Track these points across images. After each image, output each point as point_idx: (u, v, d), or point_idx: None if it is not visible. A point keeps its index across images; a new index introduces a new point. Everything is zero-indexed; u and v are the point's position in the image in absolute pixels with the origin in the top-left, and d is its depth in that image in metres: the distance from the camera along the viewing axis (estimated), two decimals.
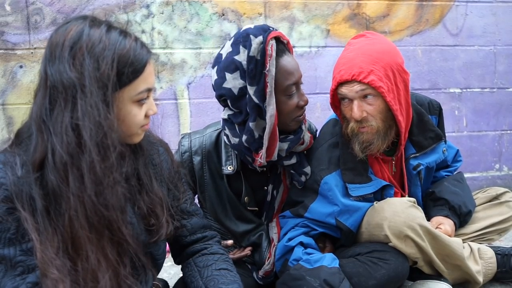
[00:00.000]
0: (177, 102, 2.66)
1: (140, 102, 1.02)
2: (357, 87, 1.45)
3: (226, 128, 1.52)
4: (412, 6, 2.92)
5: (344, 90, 1.48)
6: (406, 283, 1.62)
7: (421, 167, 1.64)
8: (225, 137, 1.54)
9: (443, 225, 1.62)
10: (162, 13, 2.60)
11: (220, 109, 2.64)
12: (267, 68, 1.36)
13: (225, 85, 1.41)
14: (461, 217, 1.68)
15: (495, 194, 1.79)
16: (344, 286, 1.38)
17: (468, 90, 3.03)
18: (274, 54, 1.38)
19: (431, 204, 1.72)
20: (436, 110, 1.73)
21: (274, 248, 1.59)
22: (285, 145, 1.48)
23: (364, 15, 2.85)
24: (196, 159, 1.55)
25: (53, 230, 0.93)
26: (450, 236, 1.58)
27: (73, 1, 2.47)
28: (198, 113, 2.68)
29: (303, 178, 1.57)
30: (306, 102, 1.50)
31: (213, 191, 1.56)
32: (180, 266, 1.33)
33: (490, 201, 1.79)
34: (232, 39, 1.44)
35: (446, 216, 1.66)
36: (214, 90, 1.48)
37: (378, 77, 1.44)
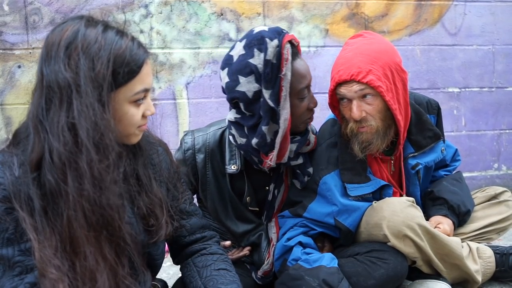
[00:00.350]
0: (175, 102, 2.66)
1: (137, 102, 1.01)
2: (356, 87, 1.45)
3: (232, 128, 1.51)
4: (411, 5, 2.92)
5: (343, 90, 1.48)
6: (405, 282, 1.62)
7: (420, 166, 1.64)
8: (230, 137, 1.53)
9: (442, 224, 1.62)
10: (161, 13, 2.60)
11: (219, 109, 2.66)
12: (283, 72, 1.36)
13: (239, 88, 1.40)
14: (460, 217, 1.68)
15: (494, 194, 1.79)
16: (343, 286, 1.38)
17: (467, 89, 3.04)
18: (290, 58, 1.38)
19: (430, 203, 1.72)
20: (434, 109, 1.73)
21: (273, 248, 1.59)
22: (294, 146, 1.49)
23: (363, 15, 2.85)
24: (200, 157, 1.54)
25: (51, 230, 0.93)
26: (449, 235, 1.58)
27: (72, 1, 2.46)
28: (197, 113, 2.68)
29: (306, 179, 1.57)
30: (316, 104, 1.51)
31: (215, 190, 1.55)
32: (179, 266, 1.33)
33: (489, 200, 1.79)
34: (244, 41, 1.43)
35: (445, 216, 1.66)
36: (225, 93, 1.48)
37: (377, 76, 1.44)
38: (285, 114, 1.39)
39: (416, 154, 1.64)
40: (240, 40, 1.45)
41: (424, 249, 1.49)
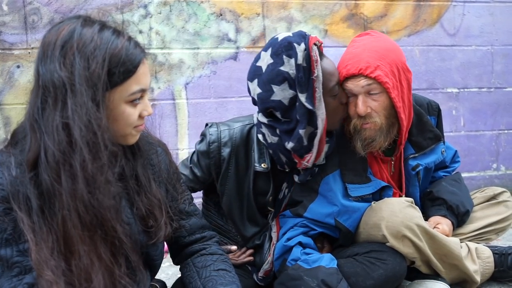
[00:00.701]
0: (174, 102, 2.66)
1: (133, 102, 1.01)
2: (363, 81, 1.45)
3: (262, 127, 1.51)
4: (410, 6, 2.92)
5: (350, 85, 1.48)
6: (404, 283, 1.62)
7: (420, 167, 1.64)
8: (260, 135, 1.53)
9: (440, 224, 1.62)
10: (160, 13, 2.60)
11: (218, 109, 2.66)
12: (315, 74, 1.38)
13: (274, 97, 1.41)
14: (459, 217, 1.68)
15: (493, 194, 1.79)
16: (342, 287, 1.38)
17: (466, 90, 3.04)
18: (319, 59, 1.40)
19: (429, 203, 1.72)
20: (435, 111, 1.74)
21: (273, 247, 1.59)
22: (326, 147, 1.51)
23: (362, 15, 2.85)
24: (225, 150, 1.52)
25: (48, 230, 0.93)
26: (447, 235, 1.58)
27: (71, 1, 2.46)
28: (196, 113, 2.68)
29: (308, 177, 1.57)
30: (347, 99, 1.51)
31: (234, 186, 1.54)
32: (178, 267, 1.33)
33: (487, 201, 1.79)
34: (270, 49, 1.44)
35: (444, 216, 1.66)
36: (258, 104, 1.48)
37: (384, 72, 1.44)
38: (321, 114, 1.41)
39: (416, 155, 1.65)
40: (265, 50, 1.46)
41: (422, 249, 1.49)
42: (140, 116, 1.04)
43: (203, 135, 1.57)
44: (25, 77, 2.45)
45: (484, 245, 1.70)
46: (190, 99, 2.67)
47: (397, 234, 1.47)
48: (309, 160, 1.47)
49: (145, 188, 1.10)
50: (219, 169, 1.53)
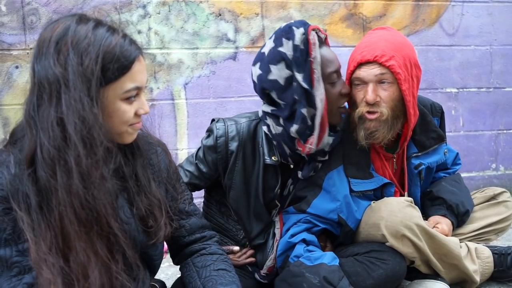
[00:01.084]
0: (174, 102, 2.66)
1: (129, 100, 1.01)
2: (376, 70, 1.46)
3: (267, 118, 1.53)
4: (409, 6, 2.92)
5: (363, 72, 1.49)
6: (404, 282, 1.62)
7: (422, 166, 1.64)
8: (265, 127, 1.54)
9: (440, 224, 1.62)
10: (159, 13, 2.59)
11: (217, 109, 2.66)
12: (313, 56, 1.42)
13: (270, 77, 1.45)
14: (459, 217, 1.68)
15: (493, 194, 1.79)
16: (343, 284, 1.38)
17: (465, 90, 3.04)
18: (317, 42, 1.44)
19: (428, 203, 1.73)
20: (438, 112, 1.75)
21: (276, 243, 1.60)
22: (330, 140, 1.52)
23: (361, 15, 2.85)
24: (233, 145, 1.53)
25: (46, 226, 0.93)
26: (447, 235, 1.58)
27: (69, 1, 2.46)
28: (195, 113, 2.67)
29: (312, 173, 1.59)
30: (348, 90, 1.52)
31: (241, 181, 1.55)
32: (177, 267, 1.32)
33: (487, 201, 1.79)
34: (273, 37, 1.50)
35: (444, 216, 1.66)
36: (256, 86, 1.52)
37: (398, 64, 1.46)
38: (320, 94, 1.43)
39: (419, 154, 1.65)
40: (270, 38, 1.52)
41: (422, 249, 1.49)
42: (136, 114, 1.04)
43: (210, 131, 1.57)
44: (24, 77, 2.45)
45: (483, 245, 1.70)
46: (189, 99, 2.67)
47: (397, 233, 1.47)
48: (312, 142, 1.47)
49: (145, 188, 1.10)
50: (227, 164, 1.54)
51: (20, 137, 0.99)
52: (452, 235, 1.65)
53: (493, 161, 3.11)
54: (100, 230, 0.97)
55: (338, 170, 1.56)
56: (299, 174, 1.59)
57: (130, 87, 0.99)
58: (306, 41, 1.43)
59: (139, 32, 2.56)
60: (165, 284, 1.43)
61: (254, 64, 1.53)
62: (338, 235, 1.62)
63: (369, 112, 1.49)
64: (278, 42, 1.45)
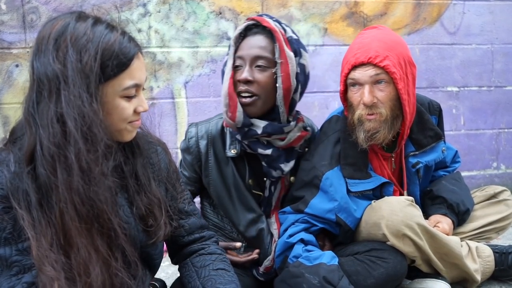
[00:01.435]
0: (174, 101, 2.65)
1: (128, 97, 1.01)
2: (371, 71, 1.46)
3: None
4: (410, 4, 2.91)
5: (357, 74, 1.49)
6: (405, 281, 1.62)
7: (420, 165, 1.64)
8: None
9: (441, 223, 1.62)
10: (159, 12, 2.59)
11: (217, 108, 2.66)
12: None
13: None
14: (459, 216, 1.68)
15: (493, 193, 1.79)
16: (343, 283, 1.38)
17: (466, 88, 3.03)
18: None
19: (429, 202, 1.72)
20: (436, 110, 1.74)
21: (275, 244, 1.59)
22: (260, 123, 1.50)
23: (362, 14, 2.85)
24: (202, 143, 1.60)
25: (47, 223, 0.93)
26: (448, 234, 1.58)
27: (69, 0, 2.46)
28: (196, 112, 2.67)
29: (276, 173, 1.57)
30: (245, 79, 1.49)
31: (217, 175, 1.60)
32: (177, 266, 1.32)
33: (488, 199, 1.79)
34: None
35: (444, 215, 1.66)
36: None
37: (393, 63, 1.46)
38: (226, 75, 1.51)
39: (417, 152, 1.65)
40: None
41: (423, 248, 1.49)
42: (136, 112, 1.04)
43: (185, 135, 1.66)
44: (24, 76, 2.44)
45: (484, 244, 1.70)
46: (190, 98, 2.67)
47: (398, 233, 1.47)
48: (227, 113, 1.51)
49: (145, 187, 1.10)
50: (200, 162, 1.60)
51: (19, 136, 0.99)
52: (453, 234, 1.65)
53: (494, 160, 3.10)
54: (100, 227, 0.97)
55: (335, 171, 1.56)
56: (265, 152, 1.57)
57: (129, 84, 0.99)
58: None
59: (139, 30, 2.55)
60: (165, 283, 1.42)
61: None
62: (337, 234, 1.62)
63: (368, 115, 1.49)
64: None
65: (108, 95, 0.98)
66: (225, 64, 1.54)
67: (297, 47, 1.50)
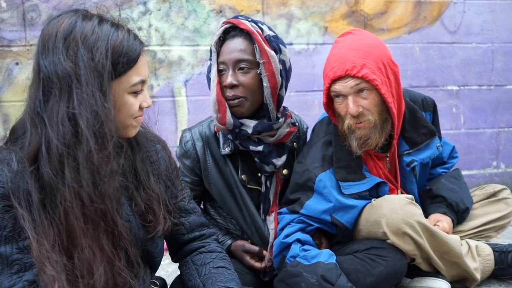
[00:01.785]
0: (174, 99, 2.65)
1: (135, 93, 1.03)
2: (351, 82, 1.46)
3: None
4: (410, 3, 2.91)
5: (338, 86, 1.48)
6: (404, 280, 1.62)
7: (415, 163, 1.64)
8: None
9: (441, 222, 1.62)
10: (159, 10, 2.59)
11: None
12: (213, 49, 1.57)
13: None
14: (459, 214, 1.68)
15: (493, 191, 1.79)
16: (341, 281, 1.38)
17: (466, 87, 3.03)
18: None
19: (428, 201, 1.72)
20: (430, 106, 1.73)
21: (269, 245, 1.60)
22: (250, 123, 1.52)
23: (362, 12, 2.85)
24: (198, 145, 1.63)
25: (49, 223, 0.93)
26: (448, 233, 1.58)
27: None
28: (196, 111, 2.67)
29: (269, 168, 1.59)
30: (230, 84, 1.51)
31: (217, 175, 1.61)
32: (178, 264, 1.32)
33: (487, 198, 1.79)
34: None
35: (444, 213, 1.66)
36: None
37: (371, 70, 1.45)
38: (212, 82, 1.55)
39: (411, 151, 1.64)
40: None
41: (423, 246, 1.49)
42: (140, 107, 1.05)
43: (179, 142, 1.68)
44: (24, 74, 2.44)
45: (484, 243, 1.70)
46: (190, 96, 2.66)
47: (398, 231, 1.47)
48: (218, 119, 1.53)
49: (144, 183, 1.11)
50: (199, 164, 1.62)
51: (20, 135, 0.99)
52: (453, 233, 1.65)
53: (494, 159, 3.11)
54: (106, 226, 0.97)
55: (328, 173, 1.56)
56: (263, 171, 1.61)
57: (136, 80, 1.01)
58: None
59: (140, 29, 2.55)
60: (165, 282, 1.42)
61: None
62: (335, 234, 1.62)
63: (357, 123, 1.50)
64: None
65: (117, 92, 0.99)
66: (209, 70, 1.57)
67: (276, 44, 1.51)
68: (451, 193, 1.69)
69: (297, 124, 1.71)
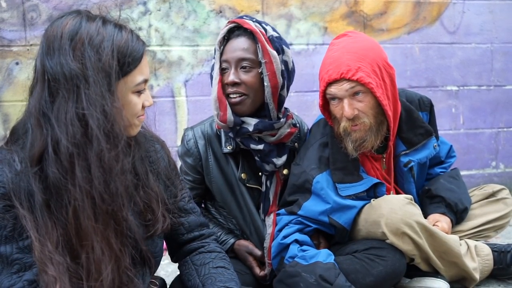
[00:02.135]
0: (174, 99, 2.66)
1: (139, 92, 1.04)
2: (346, 85, 1.46)
3: None
4: (410, 3, 2.91)
5: (333, 89, 1.49)
6: (403, 280, 1.62)
7: (412, 163, 1.64)
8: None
9: (440, 222, 1.62)
10: (159, 10, 2.59)
11: None
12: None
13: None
14: (458, 214, 1.68)
15: (492, 191, 1.79)
16: (340, 281, 1.39)
17: (465, 87, 3.04)
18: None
19: (427, 201, 1.73)
20: (427, 106, 1.74)
21: (269, 246, 1.60)
22: (251, 121, 1.53)
23: (362, 13, 2.85)
24: (201, 143, 1.65)
25: (53, 224, 0.93)
26: (447, 233, 1.58)
27: None
28: (196, 111, 2.67)
29: (269, 167, 1.60)
30: (232, 81, 1.52)
31: (218, 173, 1.63)
32: (177, 264, 1.33)
33: (486, 198, 1.79)
34: None
35: (443, 213, 1.66)
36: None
37: (366, 73, 1.45)
38: (214, 79, 1.56)
39: (408, 151, 1.65)
40: None
41: (422, 246, 1.49)
42: (142, 106, 1.07)
43: (181, 140, 1.69)
44: (24, 74, 2.44)
45: (483, 243, 1.71)
46: (190, 97, 2.67)
47: (397, 231, 1.48)
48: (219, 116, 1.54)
49: (143, 182, 1.11)
50: (201, 162, 1.64)
51: (21, 135, 0.99)
52: (452, 233, 1.65)
53: (493, 159, 3.11)
54: (115, 225, 0.98)
55: (324, 175, 1.56)
56: (264, 170, 1.62)
57: (140, 79, 1.02)
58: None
59: (140, 29, 2.55)
60: (165, 281, 1.43)
61: None
62: (333, 234, 1.62)
63: (352, 126, 1.50)
64: None
65: (122, 92, 1.00)
66: (212, 68, 1.58)
67: (278, 45, 1.53)
68: (450, 193, 1.69)
69: (298, 125, 1.73)
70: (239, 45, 1.52)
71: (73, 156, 0.91)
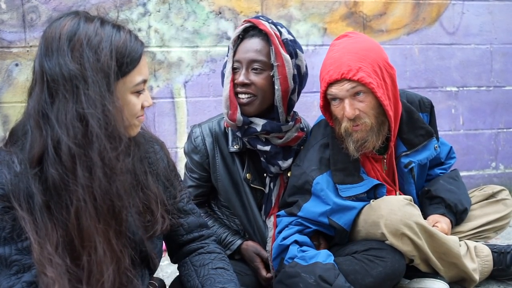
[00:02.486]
0: (174, 100, 2.66)
1: (138, 92, 1.04)
2: (347, 85, 1.46)
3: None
4: (409, 4, 2.92)
5: (334, 90, 1.49)
6: (403, 281, 1.62)
7: (413, 164, 1.64)
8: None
9: (439, 223, 1.62)
10: (159, 11, 2.59)
11: (217, 107, 2.66)
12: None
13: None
14: (457, 215, 1.68)
15: (492, 192, 1.79)
16: (339, 281, 1.39)
17: (465, 88, 3.04)
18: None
19: (427, 202, 1.73)
20: (427, 107, 1.74)
21: (271, 247, 1.60)
22: (260, 121, 1.54)
23: (361, 14, 2.85)
24: (208, 140, 1.64)
25: (53, 225, 0.93)
26: (446, 234, 1.58)
27: None
28: (195, 112, 2.67)
29: (274, 169, 1.61)
30: (242, 82, 1.53)
31: (224, 171, 1.63)
32: (176, 265, 1.33)
33: (486, 199, 1.79)
34: None
35: (443, 214, 1.66)
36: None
37: (367, 73, 1.45)
38: (226, 78, 1.56)
39: (408, 152, 1.64)
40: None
41: (422, 247, 1.49)
42: (142, 107, 1.07)
43: (188, 137, 1.69)
44: (24, 75, 2.45)
45: (483, 244, 1.71)
46: (189, 98, 2.67)
47: (396, 232, 1.47)
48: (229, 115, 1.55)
49: (142, 183, 1.11)
50: (208, 159, 1.63)
51: (20, 137, 0.99)
52: (451, 234, 1.65)
53: (493, 160, 3.11)
54: (116, 225, 0.98)
55: (325, 176, 1.56)
56: (269, 171, 1.63)
57: (139, 80, 1.03)
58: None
59: (139, 30, 2.56)
60: (164, 283, 1.42)
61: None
62: (333, 235, 1.62)
63: (353, 126, 1.50)
64: None
65: (121, 92, 1.00)
66: (225, 66, 1.58)
67: (292, 48, 1.53)
68: (449, 194, 1.69)
69: (305, 129, 1.74)
70: (252, 46, 1.52)
71: (75, 156, 0.91)
